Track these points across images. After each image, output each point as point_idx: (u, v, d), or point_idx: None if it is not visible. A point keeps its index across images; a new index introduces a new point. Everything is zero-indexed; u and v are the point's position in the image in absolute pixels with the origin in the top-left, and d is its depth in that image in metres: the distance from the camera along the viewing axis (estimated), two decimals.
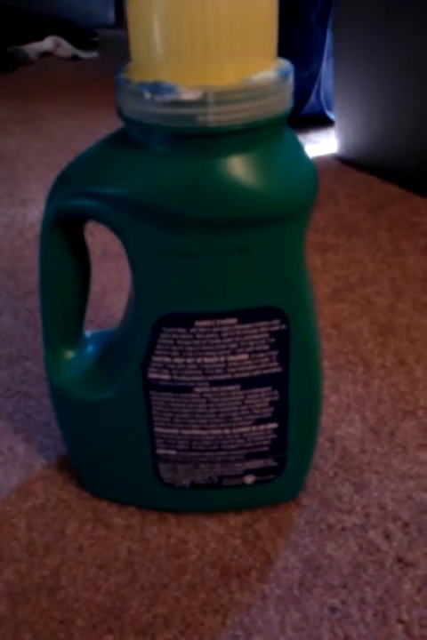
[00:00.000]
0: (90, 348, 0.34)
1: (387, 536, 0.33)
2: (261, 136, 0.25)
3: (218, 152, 0.25)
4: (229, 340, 0.29)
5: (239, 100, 0.24)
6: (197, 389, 0.30)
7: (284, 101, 0.25)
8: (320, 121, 0.95)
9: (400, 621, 0.29)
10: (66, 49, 1.62)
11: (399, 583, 0.31)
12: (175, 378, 0.30)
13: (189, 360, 0.29)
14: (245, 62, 0.24)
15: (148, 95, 0.24)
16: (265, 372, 0.30)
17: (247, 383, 0.30)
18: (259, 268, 0.27)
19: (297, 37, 0.88)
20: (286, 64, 0.26)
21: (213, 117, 0.24)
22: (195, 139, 0.24)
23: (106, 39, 1.73)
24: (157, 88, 0.24)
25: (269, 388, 0.30)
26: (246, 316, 0.28)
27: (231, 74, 0.24)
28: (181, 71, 0.24)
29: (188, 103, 0.24)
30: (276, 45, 0.26)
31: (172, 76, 0.24)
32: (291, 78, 0.26)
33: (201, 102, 0.24)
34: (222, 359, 0.29)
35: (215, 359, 0.29)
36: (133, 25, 0.24)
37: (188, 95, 0.23)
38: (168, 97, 0.24)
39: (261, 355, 0.29)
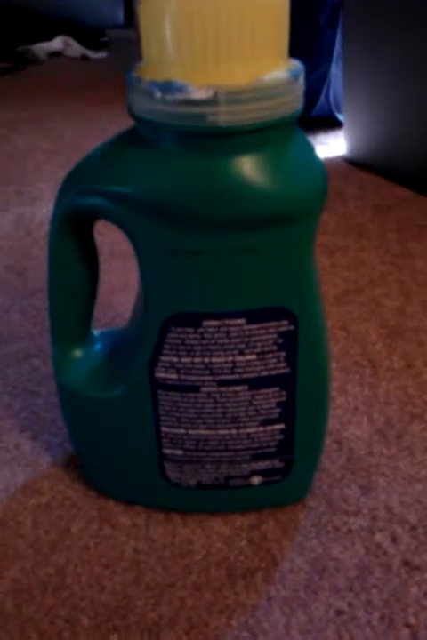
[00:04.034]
0: (97, 347, 0.34)
1: (394, 539, 0.33)
2: (272, 136, 0.25)
3: (228, 152, 0.25)
4: (238, 340, 0.28)
5: (250, 99, 0.24)
6: (205, 389, 0.30)
7: (295, 101, 0.25)
8: (329, 123, 0.94)
9: (407, 625, 0.29)
10: (75, 49, 1.62)
11: (406, 586, 0.31)
12: (183, 377, 0.30)
13: (196, 360, 0.29)
14: (257, 62, 0.24)
15: (158, 94, 0.24)
16: (273, 372, 0.30)
17: (255, 384, 0.30)
18: (268, 269, 0.27)
19: (306, 39, 0.88)
20: (297, 64, 0.26)
21: (224, 117, 0.24)
22: (205, 138, 0.24)
23: (115, 39, 1.73)
24: (167, 87, 0.24)
25: (276, 389, 0.30)
26: (255, 316, 0.28)
27: (242, 73, 0.24)
28: (192, 70, 0.24)
29: (198, 102, 0.24)
30: (287, 45, 0.26)
31: (183, 75, 0.24)
32: (302, 78, 0.26)
33: (212, 101, 0.23)
34: (230, 359, 0.29)
35: (223, 359, 0.29)
36: (145, 24, 0.24)
37: (198, 94, 0.23)
38: (179, 96, 0.24)
39: (269, 355, 0.29)
